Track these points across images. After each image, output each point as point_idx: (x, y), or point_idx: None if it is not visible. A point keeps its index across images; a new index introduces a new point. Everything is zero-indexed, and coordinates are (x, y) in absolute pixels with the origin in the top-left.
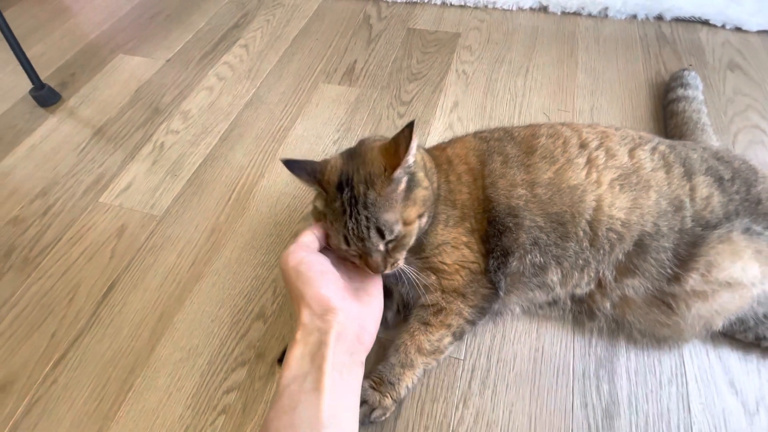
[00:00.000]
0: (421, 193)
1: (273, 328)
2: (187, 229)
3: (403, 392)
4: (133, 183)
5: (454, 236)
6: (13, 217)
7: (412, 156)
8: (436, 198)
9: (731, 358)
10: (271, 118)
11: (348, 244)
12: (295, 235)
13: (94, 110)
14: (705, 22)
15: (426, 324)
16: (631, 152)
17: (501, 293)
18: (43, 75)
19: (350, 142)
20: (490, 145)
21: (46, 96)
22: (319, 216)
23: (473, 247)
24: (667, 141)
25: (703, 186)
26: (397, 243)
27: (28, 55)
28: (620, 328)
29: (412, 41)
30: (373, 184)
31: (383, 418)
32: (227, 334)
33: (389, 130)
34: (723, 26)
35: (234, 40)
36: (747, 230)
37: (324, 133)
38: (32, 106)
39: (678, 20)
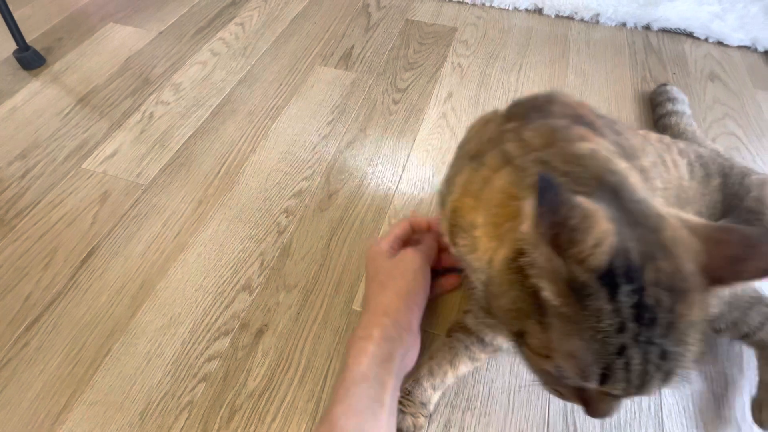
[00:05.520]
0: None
1: (259, 300)
2: (174, 199)
3: (432, 408)
4: (119, 151)
5: None
6: None
7: None
8: None
9: None
10: (265, 96)
11: (602, 380)
12: (286, 212)
13: (80, 77)
14: (689, 35)
15: (472, 353)
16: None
17: None
18: (29, 38)
19: (344, 125)
20: None
21: (30, 58)
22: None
23: None
24: (681, 142)
25: (716, 191)
26: None
27: (15, 15)
28: None
29: (410, 32)
30: (686, 296)
31: None
32: (211, 303)
33: (383, 115)
34: (706, 39)
35: (230, 17)
36: None
37: (318, 113)
38: (15, 68)
39: (664, 31)
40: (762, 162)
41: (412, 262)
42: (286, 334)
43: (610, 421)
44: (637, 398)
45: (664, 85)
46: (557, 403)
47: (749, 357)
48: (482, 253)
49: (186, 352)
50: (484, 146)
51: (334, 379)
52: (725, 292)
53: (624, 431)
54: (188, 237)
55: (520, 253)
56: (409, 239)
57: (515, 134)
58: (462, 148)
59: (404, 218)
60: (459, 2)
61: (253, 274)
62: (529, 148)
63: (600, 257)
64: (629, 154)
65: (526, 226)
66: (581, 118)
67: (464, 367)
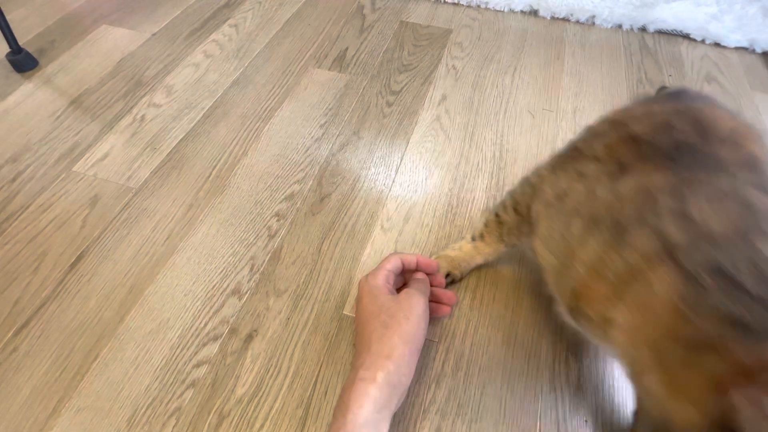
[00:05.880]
0: None
1: (248, 305)
2: (165, 202)
3: None
4: (109, 154)
5: None
6: None
7: None
8: None
9: None
10: (258, 98)
11: None
12: (277, 216)
13: (72, 79)
14: (686, 36)
15: None
16: None
17: None
18: (22, 40)
19: (337, 127)
20: None
21: (22, 61)
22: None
23: None
24: None
25: None
26: None
27: (8, 18)
28: None
29: (405, 34)
30: None
31: None
32: (200, 308)
33: (377, 118)
34: (703, 41)
35: (224, 19)
36: None
37: (311, 116)
38: (8, 70)
39: (661, 33)
40: None
41: (417, 306)
42: (275, 340)
43: (602, 428)
44: (629, 404)
45: (665, 88)
46: (549, 410)
47: None
48: (626, 358)
49: (174, 357)
50: (613, 210)
51: (331, 411)
52: None
53: None
54: (178, 241)
55: (724, 419)
56: (401, 274)
57: (676, 202)
58: (559, 198)
59: (394, 253)
60: (454, 4)
61: (243, 278)
62: (701, 236)
63: None
64: None
65: (744, 400)
66: (755, 163)
67: None
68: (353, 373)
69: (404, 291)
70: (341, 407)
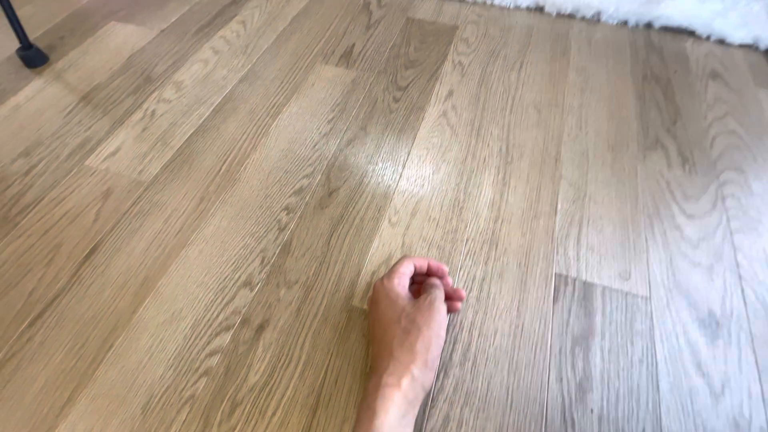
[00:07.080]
0: None
1: (259, 296)
2: (176, 196)
3: None
4: (121, 148)
5: None
6: None
7: None
8: None
9: (699, 342)
10: (266, 94)
11: None
12: (287, 210)
13: (82, 75)
14: (691, 33)
15: None
16: None
17: None
18: (32, 36)
19: (345, 123)
20: None
21: (33, 57)
22: None
23: None
24: None
25: None
26: None
27: (18, 14)
28: None
29: (411, 30)
30: None
31: None
32: (212, 299)
33: (384, 113)
34: (708, 38)
35: (231, 15)
36: None
37: (319, 111)
38: (18, 66)
39: (666, 29)
40: (763, 160)
41: (437, 313)
42: (286, 330)
43: (608, 418)
44: (634, 394)
45: None
46: (555, 399)
47: (748, 356)
48: None
49: (188, 347)
50: None
51: (341, 399)
52: None
53: (622, 428)
54: (190, 234)
55: None
56: (413, 276)
57: None
58: None
59: (406, 256)
60: (460, 0)
61: (254, 270)
62: None
63: None
64: None
65: None
66: None
67: None
68: (376, 378)
69: (423, 296)
70: (367, 412)
